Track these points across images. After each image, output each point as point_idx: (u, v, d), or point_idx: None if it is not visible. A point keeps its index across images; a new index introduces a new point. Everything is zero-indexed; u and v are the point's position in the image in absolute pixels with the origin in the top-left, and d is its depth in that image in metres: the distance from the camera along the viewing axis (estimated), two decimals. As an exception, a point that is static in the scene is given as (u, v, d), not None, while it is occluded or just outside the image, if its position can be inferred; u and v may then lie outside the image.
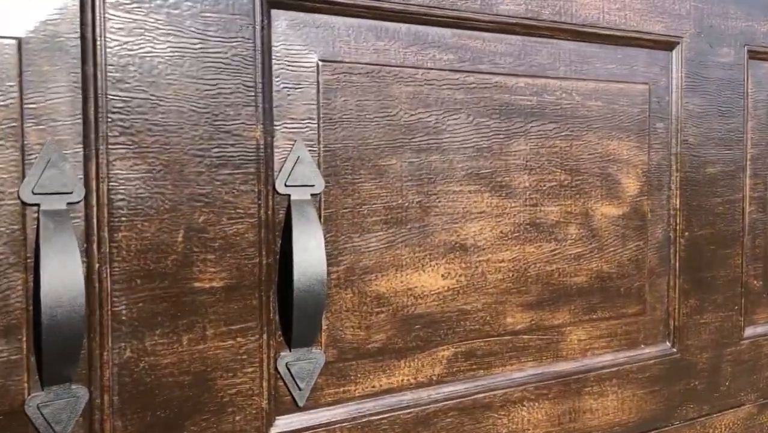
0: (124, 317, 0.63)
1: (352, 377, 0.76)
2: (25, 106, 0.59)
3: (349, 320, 0.74)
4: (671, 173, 0.96)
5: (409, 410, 0.79)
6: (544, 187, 0.85)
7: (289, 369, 0.71)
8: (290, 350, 0.71)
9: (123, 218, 0.63)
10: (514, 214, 0.83)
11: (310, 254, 0.69)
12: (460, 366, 0.82)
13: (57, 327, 0.59)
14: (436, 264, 0.78)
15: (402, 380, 0.78)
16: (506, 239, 0.83)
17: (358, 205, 0.73)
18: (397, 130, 0.76)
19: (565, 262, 0.87)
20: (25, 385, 0.60)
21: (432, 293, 0.78)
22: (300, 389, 0.72)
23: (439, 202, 0.78)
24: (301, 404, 0.73)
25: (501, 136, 0.82)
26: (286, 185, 0.72)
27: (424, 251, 0.77)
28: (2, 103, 0.58)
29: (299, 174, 0.73)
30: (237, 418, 0.69)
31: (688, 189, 0.97)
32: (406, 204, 0.76)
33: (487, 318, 0.83)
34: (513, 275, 0.84)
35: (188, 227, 0.65)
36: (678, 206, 0.96)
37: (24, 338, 0.61)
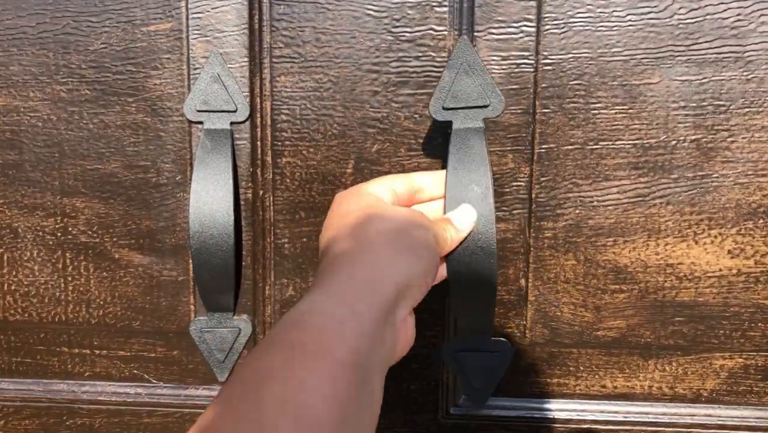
0: (286, 252, 0.53)
1: (572, 369, 0.53)
2: (191, 16, 0.56)
3: (569, 294, 0.52)
4: None
5: (656, 428, 0.53)
6: None
7: (457, 359, 0.57)
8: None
9: (287, 142, 0.52)
10: None
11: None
12: (753, 386, 0.53)
13: (206, 253, 0.55)
14: (720, 235, 0.50)
15: (650, 387, 0.53)
16: None
17: (593, 140, 0.50)
18: (663, 32, 0.54)
19: None
20: (191, 307, 0.54)
21: (709, 275, 0.51)
22: (475, 388, 0.58)
23: (734, 142, 0.49)
24: (476, 403, 0.60)
25: None
26: (444, 108, 0.52)
27: (699, 214, 0.50)
28: (168, 13, 0.55)
29: (463, 88, 0.52)
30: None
31: None
32: (674, 142, 0.49)
33: None
34: None
35: (359, 157, 0.52)
36: None
37: (190, 259, 0.58)
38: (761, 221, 0.53)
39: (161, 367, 0.59)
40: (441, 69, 0.52)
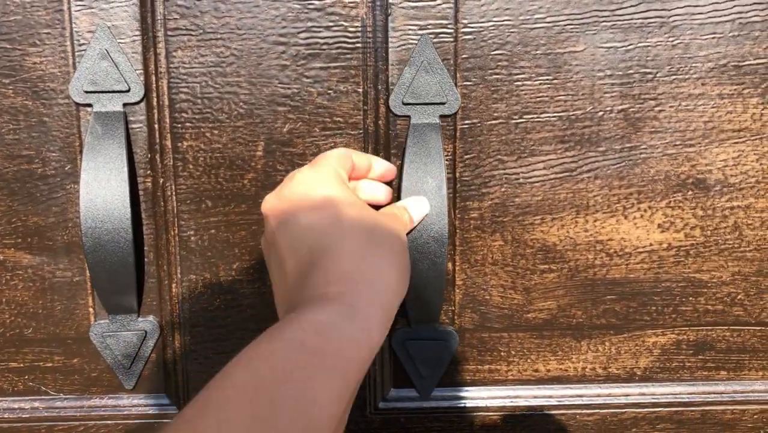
0: (193, 245, 0.47)
1: (503, 354, 0.50)
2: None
3: (497, 276, 0.48)
4: None
5: (592, 411, 0.50)
6: None
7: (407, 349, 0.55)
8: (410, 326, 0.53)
9: (188, 124, 0.46)
10: None
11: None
12: (685, 361, 0.50)
13: (102, 251, 0.50)
14: (650, 208, 0.47)
15: (583, 368, 0.50)
16: None
17: (517, 114, 0.45)
18: (589, 0, 0.47)
19: None
20: (90, 310, 0.48)
21: (640, 250, 0.48)
22: (422, 376, 0.56)
23: (661, 112, 0.46)
24: (422, 395, 0.57)
25: None
26: (404, 103, 0.51)
27: (628, 188, 0.46)
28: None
29: (422, 85, 0.52)
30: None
31: None
32: (601, 113, 0.46)
33: (741, 296, 0.49)
34: None
35: (269, 138, 0.46)
36: None
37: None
38: (690, 192, 0.50)
39: (60, 377, 0.53)
40: (354, 40, 0.47)
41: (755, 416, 0.55)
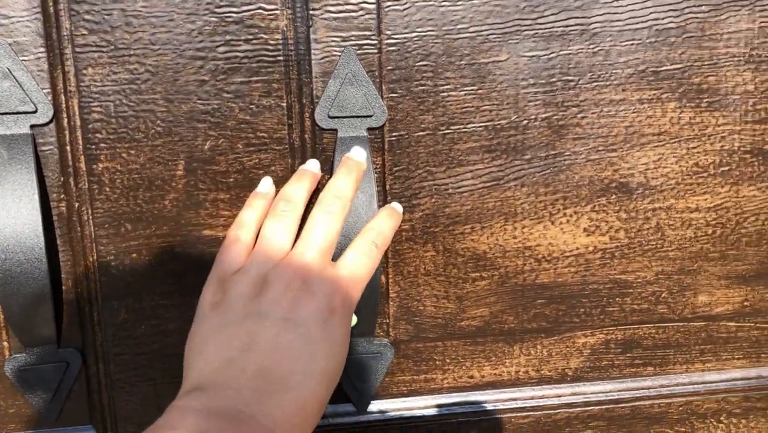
0: (113, 270, 0.44)
1: (438, 363, 0.49)
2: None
3: (430, 286, 0.47)
4: None
5: (526, 414, 0.50)
6: None
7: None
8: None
9: (102, 145, 0.43)
10: (722, 137, 0.48)
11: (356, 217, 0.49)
12: (614, 360, 0.51)
13: (14, 282, 0.47)
14: (576, 213, 0.47)
15: (516, 372, 0.50)
16: (704, 175, 0.48)
17: (444, 125, 0.45)
18: (509, 5, 0.51)
19: None
20: (5, 344, 0.44)
21: (567, 254, 0.48)
22: (358, 391, 0.55)
23: (584, 118, 0.46)
24: (359, 409, 0.57)
25: (704, 8, 0.51)
26: (330, 116, 0.51)
27: (554, 194, 0.47)
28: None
29: (348, 97, 0.51)
30: None
31: None
32: (525, 122, 0.45)
33: (664, 295, 0.50)
34: (713, 232, 0.49)
35: (190, 156, 0.44)
36: None
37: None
38: (614, 196, 0.51)
39: (-27, 416, 0.50)
40: (276, 53, 0.46)
41: (680, 408, 0.57)
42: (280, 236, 0.44)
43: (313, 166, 0.48)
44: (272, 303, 0.41)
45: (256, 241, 0.45)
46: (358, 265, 0.44)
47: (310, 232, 0.44)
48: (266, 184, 0.48)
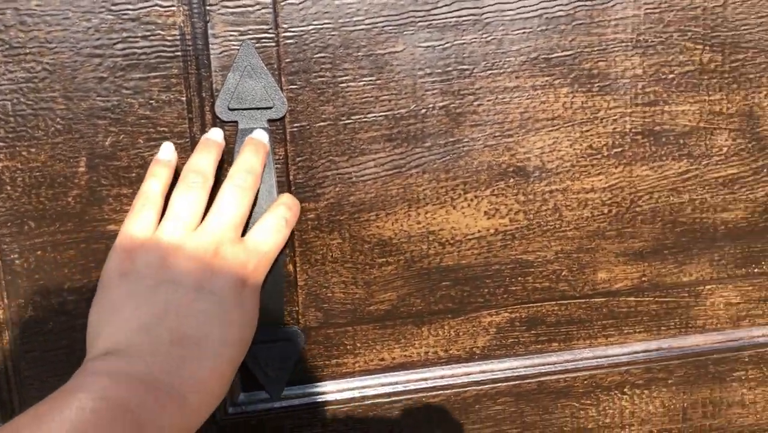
0: (18, 268, 0.45)
1: (349, 347, 0.51)
2: None
3: (338, 273, 0.49)
4: None
5: (436, 393, 0.52)
6: (671, 75, 0.51)
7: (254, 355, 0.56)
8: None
9: (1, 144, 0.43)
10: (614, 120, 0.51)
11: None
12: (519, 337, 0.54)
13: None
14: (476, 197, 0.49)
15: (426, 353, 0.52)
16: (598, 157, 0.51)
17: (344, 115, 0.46)
18: (405, 1, 0.52)
19: (707, 189, 0.53)
20: None
21: (469, 237, 0.50)
22: (270, 378, 0.57)
23: (480, 106, 0.48)
24: (272, 396, 0.59)
25: None
26: (230, 108, 0.52)
27: (454, 180, 0.49)
28: None
29: (247, 90, 0.52)
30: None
31: None
32: (424, 111, 0.47)
33: (565, 273, 0.52)
34: (610, 212, 0.52)
35: (91, 153, 0.45)
36: None
37: None
38: (512, 180, 0.54)
39: None
40: (173, 49, 0.47)
41: (585, 382, 0.60)
42: (191, 207, 0.46)
43: (217, 135, 0.49)
44: (185, 272, 0.43)
45: (162, 211, 0.46)
46: (267, 239, 0.46)
47: (221, 205, 0.46)
48: (168, 151, 0.48)
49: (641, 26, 0.56)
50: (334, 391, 0.58)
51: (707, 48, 0.57)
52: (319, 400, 0.58)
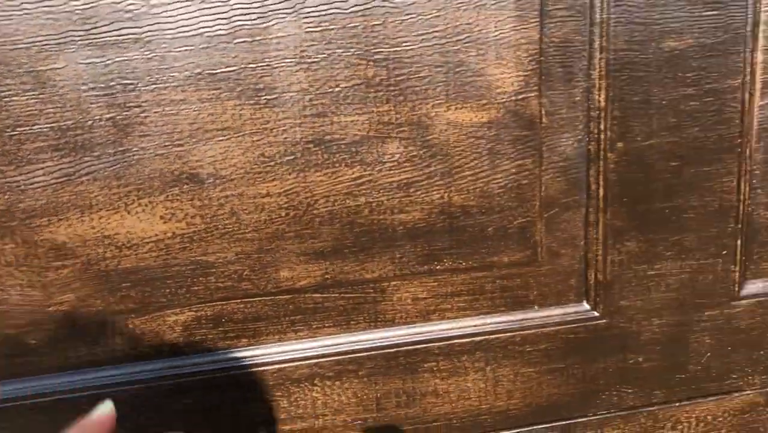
0: None
1: (32, 346, 0.54)
2: None
3: (14, 276, 0.52)
4: (591, 54, 0.58)
5: (124, 388, 0.56)
6: (337, 89, 0.56)
7: None
8: None
9: None
10: (284, 130, 0.56)
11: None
12: (207, 334, 0.58)
13: None
14: (151, 203, 0.53)
15: (112, 351, 0.56)
16: (272, 164, 0.56)
17: (10, 127, 0.50)
18: (61, 19, 0.58)
19: (382, 193, 0.58)
20: None
21: (146, 240, 0.54)
22: None
23: (147, 117, 0.53)
24: None
25: (252, 16, 0.60)
26: None
27: (126, 186, 0.53)
28: None
29: None
30: None
31: (624, 75, 0.59)
32: (90, 122, 0.52)
33: (247, 272, 0.57)
34: (287, 214, 0.57)
35: None
36: (603, 104, 0.58)
37: None
38: (186, 186, 0.59)
39: None
40: None
41: (275, 375, 0.65)
42: None
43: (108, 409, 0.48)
44: None
45: None
46: None
47: None
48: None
49: (304, 43, 0.61)
50: (21, 388, 0.62)
51: (371, 63, 0.62)
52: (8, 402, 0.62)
